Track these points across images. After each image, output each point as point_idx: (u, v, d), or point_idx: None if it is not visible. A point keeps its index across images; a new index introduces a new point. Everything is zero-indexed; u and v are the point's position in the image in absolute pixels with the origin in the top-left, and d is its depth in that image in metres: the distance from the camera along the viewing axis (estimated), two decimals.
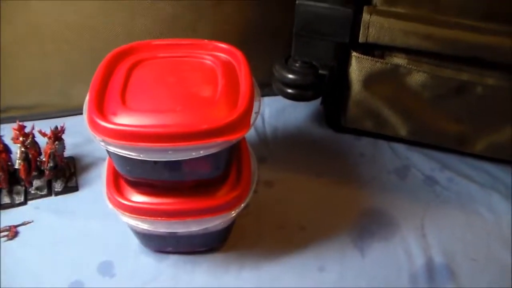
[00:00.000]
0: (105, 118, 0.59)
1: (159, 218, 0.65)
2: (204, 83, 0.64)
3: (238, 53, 0.67)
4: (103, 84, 0.64)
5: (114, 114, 0.59)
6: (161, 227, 0.67)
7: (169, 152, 0.58)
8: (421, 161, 0.91)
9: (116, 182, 0.68)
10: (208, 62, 0.67)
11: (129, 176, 0.65)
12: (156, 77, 0.65)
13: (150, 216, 0.65)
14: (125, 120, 0.59)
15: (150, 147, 0.57)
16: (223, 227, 0.71)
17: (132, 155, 0.58)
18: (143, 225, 0.66)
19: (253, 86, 0.63)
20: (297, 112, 0.99)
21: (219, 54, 0.69)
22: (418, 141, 0.91)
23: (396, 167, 0.90)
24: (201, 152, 0.58)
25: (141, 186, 0.66)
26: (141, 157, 0.58)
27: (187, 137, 0.57)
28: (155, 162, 0.61)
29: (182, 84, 0.64)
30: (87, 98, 0.64)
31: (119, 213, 0.66)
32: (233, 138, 0.58)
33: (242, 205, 0.67)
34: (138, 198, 0.66)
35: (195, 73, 0.66)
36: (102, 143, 0.59)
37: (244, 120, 0.59)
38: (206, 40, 0.70)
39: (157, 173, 0.64)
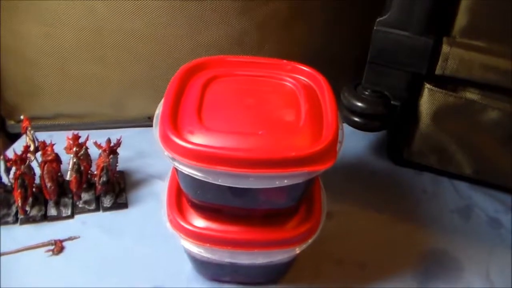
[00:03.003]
0: (180, 135, 0.55)
1: (225, 247, 0.61)
2: (286, 107, 0.60)
3: (321, 77, 0.63)
4: (177, 98, 0.60)
5: (191, 132, 0.55)
6: (225, 257, 0.62)
7: (250, 179, 0.54)
8: (484, 202, 0.87)
9: (179, 204, 0.64)
10: (288, 84, 0.63)
11: (197, 200, 0.61)
12: (233, 95, 0.61)
13: (215, 244, 0.60)
14: (203, 139, 0.54)
15: (230, 172, 0.53)
16: (288, 260, 0.66)
17: (209, 179, 0.54)
18: (205, 253, 0.62)
19: (338, 113, 0.59)
20: (356, 140, 0.95)
21: (299, 77, 0.65)
22: (483, 180, 0.87)
23: (459, 206, 0.85)
24: (285, 181, 0.54)
25: (207, 210, 0.62)
26: (219, 182, 0.54)
27: (272, 164, 0.52)
28: (229, 187, 0.56)
29: (262, 106, 0.60)
30: (158, 111, 0.60)
31: (180, 237, 0.62)
32: (321, 168, 0.54)
33: (314, 237, 0.63)
34: (201, 223, 0.62)
35: (275, 95, 0.62)
36: (175, 163, 0.55)
37: (331, 149, 0.55)
38: (285, 61, 0.66)
39: (228, 199, 0.59)
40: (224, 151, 0.53)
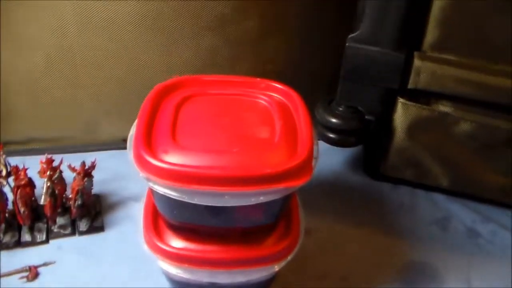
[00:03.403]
0: (155, 155, 0.54)
1: (203, 267, 0.60)
2: (261, 124, 0.60)
3: (294, 94, 0.64)
4: (150, 118, 0.60)
5: (165, 152, 0.55)
6: (204, 277, 0.61)
7: (226, 197, 0.53)
8: (461, 212, 0.87)
9: (156, 225, 0.63)
10: (262, 102, 0.64)
11: (174, 220, 0.60)
12: (208, 114, 0.61)
13: (193, 264, 0.60)
14: (177, 159, 0.54)
15: (206, 190, 0.53)
16: (268, 278, 0.66)
17: (184, 198, 0.54)
18: (184, 274, 0.61)
19: (313, 129, 0.59)
20: (332, 156, 0.95)
21: (273, 94, 0.65)
22: (459, 191, 0.88)
23: (437, 218, 0.86)
24: (261, 198, 0.53)
25: (184, 231, 0.61)
26: (195, 201, 0.54)
27: (247, 182, 0.52)
28: (206, 206, 0.56)
29: (237, 124, 0.60)
30: (131, 132, 0.60)
31: (157, 259, 0.61)
32: (296, 184, 0.54)
33: (292, 254, 0.62)
34: (179, 243, 0.61)
35: (250, 112, 0.62)
36: (151, 183, 0.55)
37: (307, 165, 0.55)
38: (258, 79, 0.66)
39: (205, 219, 0.59)
40: (199, 170, 0.53)
